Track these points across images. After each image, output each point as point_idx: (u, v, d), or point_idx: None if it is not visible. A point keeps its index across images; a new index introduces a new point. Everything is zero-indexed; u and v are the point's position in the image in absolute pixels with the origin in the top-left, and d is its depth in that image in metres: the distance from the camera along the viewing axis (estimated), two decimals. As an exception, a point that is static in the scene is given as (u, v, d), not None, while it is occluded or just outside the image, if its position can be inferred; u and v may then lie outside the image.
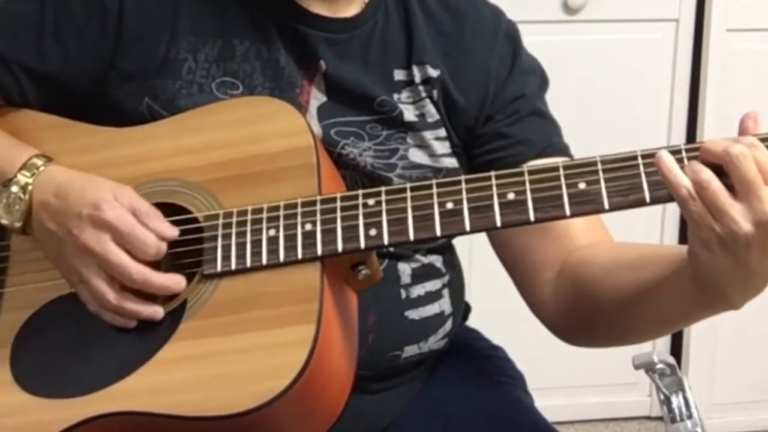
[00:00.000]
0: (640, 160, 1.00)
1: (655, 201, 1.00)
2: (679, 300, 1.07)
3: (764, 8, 2.30)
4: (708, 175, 0.96)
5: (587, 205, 1.01)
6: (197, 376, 1.03)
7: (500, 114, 1.26)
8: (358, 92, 1.23)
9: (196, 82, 1.22)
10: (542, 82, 1.33)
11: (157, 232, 1.10)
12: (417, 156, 1.24)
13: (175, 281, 1.09)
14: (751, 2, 2.30)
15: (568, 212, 1.01)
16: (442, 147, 1.26)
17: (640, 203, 1.00)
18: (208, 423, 1.00)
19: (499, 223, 1.03)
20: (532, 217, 1.02)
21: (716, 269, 0.99)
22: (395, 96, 1.24)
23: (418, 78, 1.25)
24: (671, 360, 1.18)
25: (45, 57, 1.23)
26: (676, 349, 2.50)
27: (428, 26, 1.27)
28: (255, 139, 1.14)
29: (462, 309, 1.38)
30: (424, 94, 1.25)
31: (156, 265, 1.11)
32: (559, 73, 2.25)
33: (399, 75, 1.25)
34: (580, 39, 2.28)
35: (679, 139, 2.34)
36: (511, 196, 1.03)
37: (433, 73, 1.25)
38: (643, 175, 1.00)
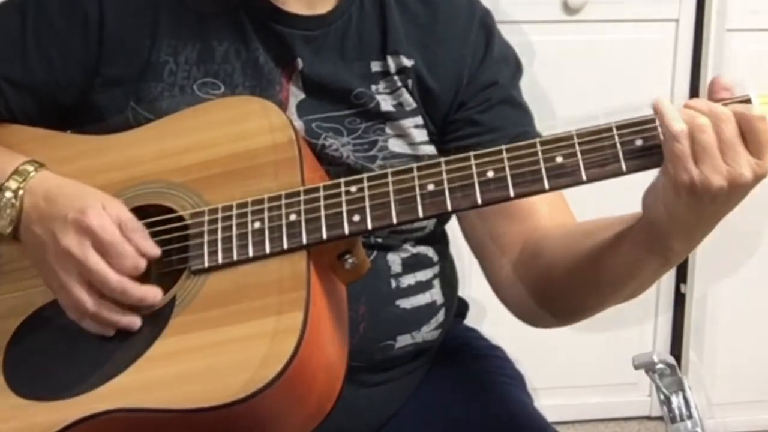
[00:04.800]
0: (615, 131, 1.03)
1: (631, 170, 1.03)
2: (626, 256, 1.09)
3: (764, 8, 2.29)
4: (705, 120, 0.99)
5: (565, 177, 1.04)
6: (188, 370, 1.03)
7: (472, 101, 1.28)
8: (335, 87, 1.25)
9: (178, 84, 1.24)
10: (516, 70, 1.34)
11: (138, 247, 1.10)
12: (396, 145, 1.26)
13: (152, 293, 1.09)
14: (751, 2, 2.29)
15: (547, 186, 1.04)
16: (420, 135, 1.27)
17: (617, 173, 1.03)
18: (201, 415, 1.00)
19: (480, 201, 1.05)
20: (512, 193, 1.05)
21: (671, 213, 1.02)
22: (372, 87, 1.26)
23: (393, 68, 1.26)
24: (671, 360, 1.18)
25: (29, 69, 1.25)
26: (676, 349, 2.49)
27: (403, 17, 1.28)
28: (237, 137, 1.16)
29: (455, 301, 1.39)
30: (399, 84, 1.26)
31: (146, 267, 1.12)
32: (559, 73, 2.29)
33: (375, 66, 1.27)
34: (579, 39, 2.28)
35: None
36: (490, 174, 1.05)
37: (408, 63, 1.27)
38: (618, 146, 1.02)
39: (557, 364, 2.39)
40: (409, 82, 1.27)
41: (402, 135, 1.27)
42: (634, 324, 2.43)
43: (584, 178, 1.03)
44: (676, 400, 1.16)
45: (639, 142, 1.02)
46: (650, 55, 2.31)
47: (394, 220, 1.07)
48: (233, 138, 1.16)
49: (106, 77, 1.24)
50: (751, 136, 0.99)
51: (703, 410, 1.15)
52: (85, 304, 1.09)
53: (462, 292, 1.44)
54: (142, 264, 1.10)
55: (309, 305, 1.03)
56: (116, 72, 1.24)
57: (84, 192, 1.13)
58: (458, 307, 1.43)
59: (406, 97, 1.27)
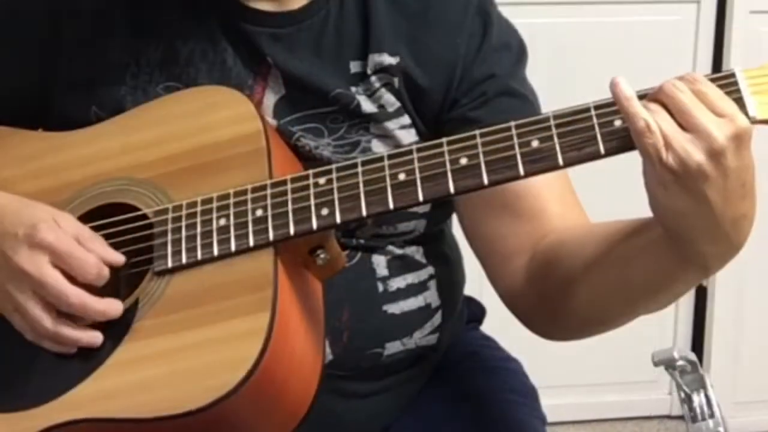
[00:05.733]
0: (593, 112, 0.99)
1: (609, 153, 0.99)
2: (657, 266, 1.04)
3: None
4: (656, 106, 0.95)
5: (541, 162, 1.00)
6: (150, 377, 1.01)
7: (466, 98, 1.22)
8: (312, 87, 1.20)
9: (140, 88, 1.20)
10: (518, 57, 1.26)
11: (99, 255, 1.07)
12: (380, 147, 1.21)
13: (113, 307, 1.06)
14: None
15: (522, 172, 1.00)
16: (408, 135, 1.21)
17: (595, 156, 0.99)
18: (163, 424, 0.97)
19: (452, 190, 1.02)
20: (486, 181, 1.01)
21: (680, 214, 0.97)
22: (352, 89, 1.20)
23: (375, 68, 1.21)
24: (692, 356, 1.16)
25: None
26: (698, 345, 2.48)
27: (390, 10, 1.22)
28: (203, 129, 1.13)
29: (457, 302, 1.33)
30: (378, 85, 1.20)
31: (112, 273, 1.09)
32: (576, 55, 2.25)
33: (355, 67, 1.21)
34: (597, 21, 2.26)
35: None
36: (463, 161, 1.02)
37: (392, 60, 1.20)
38: (596, 127, 0.99)
39: (573, 361, 2.33)
40: (395, 80, 1.21)
41: (386, 136, 1.21)
42: (654, 319, 2.37)
43: (561, 162, 0.99)
44: (698, 399, 1.11)
45: (618, 123, 0.98)
46: (670, 38, 2.28)
47: (364, 213, 1.03)
48: (199, 130, 1.13)
49: (68, 79, 1.21)
50: (702, 96, 0.94)
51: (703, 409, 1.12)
52: (43, 323, 1.05)
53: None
54: (106, 271, 1.06)
55: (276, 305, 0.99)
56: (76, 74, 1.21)
57: (32, 207, 1.10)
58: (473, 313, 1.40)
59: (388, 98, 1.21)
